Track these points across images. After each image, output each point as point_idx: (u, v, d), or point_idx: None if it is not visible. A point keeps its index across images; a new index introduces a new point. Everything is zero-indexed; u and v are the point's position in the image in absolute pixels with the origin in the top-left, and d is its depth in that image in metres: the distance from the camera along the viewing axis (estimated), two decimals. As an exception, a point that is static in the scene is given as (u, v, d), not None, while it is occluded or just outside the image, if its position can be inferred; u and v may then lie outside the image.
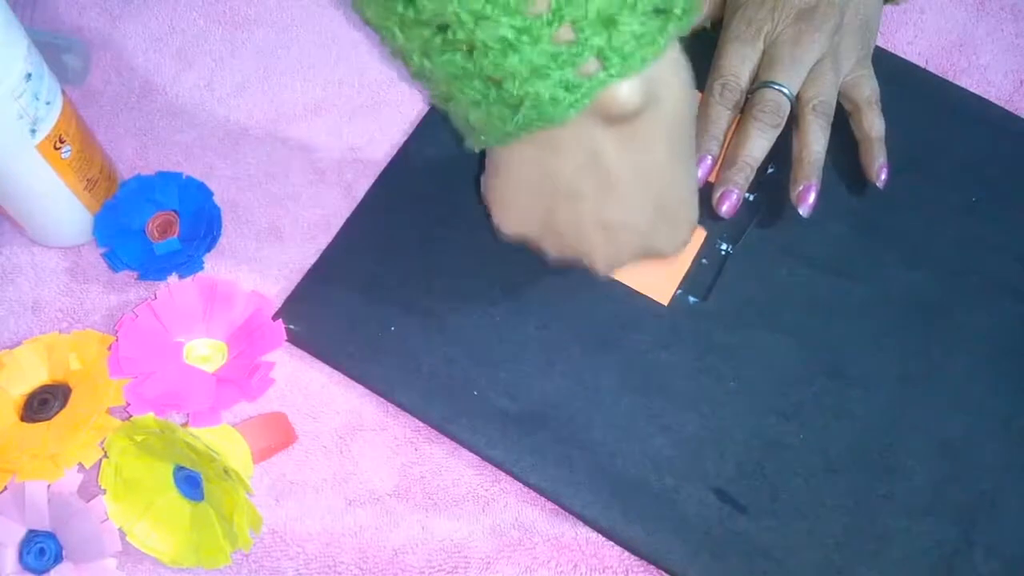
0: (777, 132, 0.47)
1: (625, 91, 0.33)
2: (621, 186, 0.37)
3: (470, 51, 0.32)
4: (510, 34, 0.31)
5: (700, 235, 0.48)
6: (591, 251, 0.40)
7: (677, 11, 0.32)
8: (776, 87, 0.47)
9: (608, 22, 0.31)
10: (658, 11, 0.32)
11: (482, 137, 0.36)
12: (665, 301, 0.46)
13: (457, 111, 0.36)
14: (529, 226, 0.41)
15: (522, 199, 0.39)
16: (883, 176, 0.48)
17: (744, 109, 0.48)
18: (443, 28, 0.32)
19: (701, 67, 0.49)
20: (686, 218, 0.41)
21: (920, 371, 0.45)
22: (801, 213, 0.47)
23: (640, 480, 0.42)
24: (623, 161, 0.36)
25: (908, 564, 0.41)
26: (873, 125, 0.49)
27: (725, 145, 0.48)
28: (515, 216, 0.41)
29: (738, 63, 0.48)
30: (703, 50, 0.50)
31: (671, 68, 0.34)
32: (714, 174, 0.48)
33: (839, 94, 0.49)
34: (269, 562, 0.40)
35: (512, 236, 0.42)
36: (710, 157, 0.47)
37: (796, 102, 0.48)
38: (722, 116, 0.48)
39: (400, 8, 0.32)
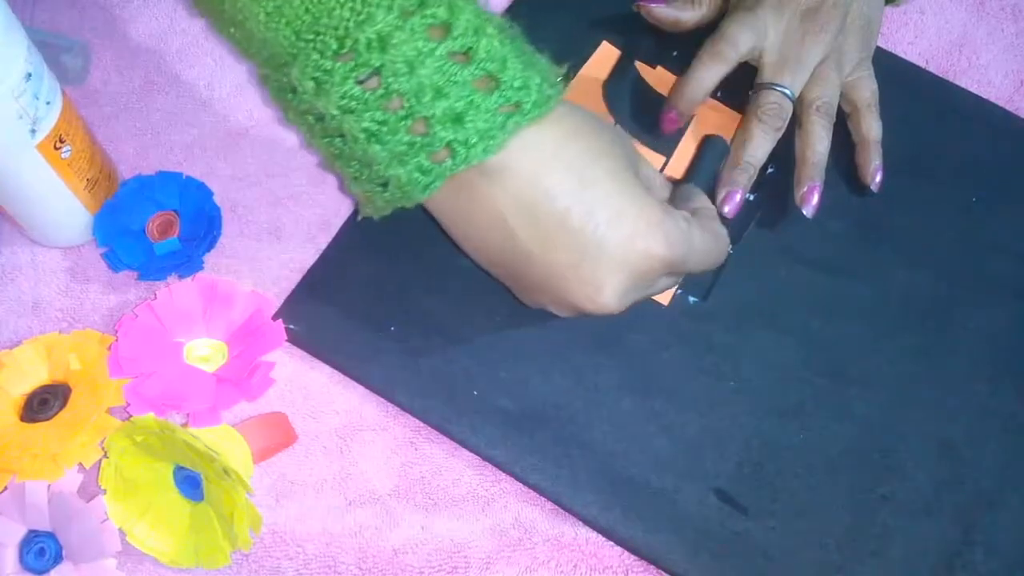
0: (779, 134, 0.47)
1: (498, 157, 0.36)
2: (540, 208, 0.37)
3: (343, 137, 0.37)
4: (372, 126, 0.35)
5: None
6: (574, 298, 0.39)
7: (526, 106, 0.36)
8: (779, 88, 0.47)
9: (456, 119, 0.35)
10: (503, 109, 0.36)
11: (366, 208, 0.40)
12: (665, 301, 0.46)
13: (344, 183, 0.40)
14: (530, 299, 0.42)
15: (500, 275, 0.42)
16: (878, 178, 0.48)
17: (746, 110, 0.48)
18: (321, 117, 0.37)
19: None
20: (648, 218, 0.38)
21: (920, 371, 0.45)
22: (805, 214, 0.47)
23: (640, 480, 0.42)
24: (525, 191, 0.37)
25: (908, 564, 0.41)
26: (871, 128, 0.49)
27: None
28: (517, 293, 0.42)
29: (738, 27, 0.48)
30: (698, 50, 0.50)
31: (552, 129, 0.37)
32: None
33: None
34: (269, 562, 0.40)
35: (536, 307, 0.42)
36: (674, 112, 0.48)
37: (798, 103, 0.48)
38: (706, 74, 0.47)
39: (289, 96, 0.37)
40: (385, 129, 0.35)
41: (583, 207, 0.37)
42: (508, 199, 0.37)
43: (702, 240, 0.40)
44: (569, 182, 0.37)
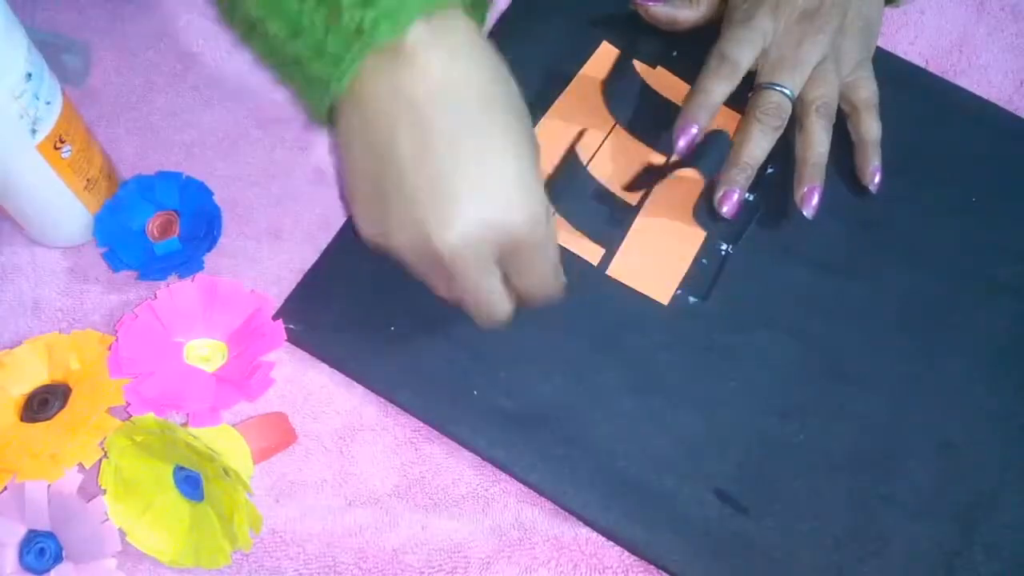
0: (778, 133, 0.47)
1: (412, 36, 0.36)
2: (434, 122, 0.36)
3: (271, 39, 0.38)
4: (292, 21, 0.37)
5: (699, 236, 0.48)
6: (424, 219, 0.37)
7: None
8: (778, 88, 0.47)
9: (363, 2, 0.35)
10: None
11: (310, 113, 0.40)
12: (665, 301, 0.46)
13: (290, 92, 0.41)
14: (375, 215, 0.39)
15: (364, 188, 0.39)
16: (876, 179, 0.48)
17: (746, 110, 0.48)
18: (252, 24, 0.39)
19: (699, 65, 0.50)
20: (527, 183, 0.37)
21: (920, 371, 0.46)
22: (805, 214, 0.47)
23: (640, 480, 0.42)
24: (428, 96, 0.36)
25: (908, 564, 0.41)
26: (870, 128, 0.49)
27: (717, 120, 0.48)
28: (364, 209, 0.40)
29: (738, 43, 0.48)
30: (699, 50, 0.50)
31: (465, 32, 0.37)
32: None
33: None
34: (269, 562, 0.40)
35: (370, 236, 0.40)
36: (696, 126, 0.47)
37: (798, 103, 0.48)
38: (716, 88, 0.47)
39: (233, 11, 0.40)
40: (302, 22, 0.37)
41: (475, 140, 0.37)
42: (409, 90, 0.36)
43: (549, 264, 0.40)
44: (474, 107, 0.37)
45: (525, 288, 0.41)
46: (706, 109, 0.47)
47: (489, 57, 0.38)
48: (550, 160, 0.48)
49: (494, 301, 0.40)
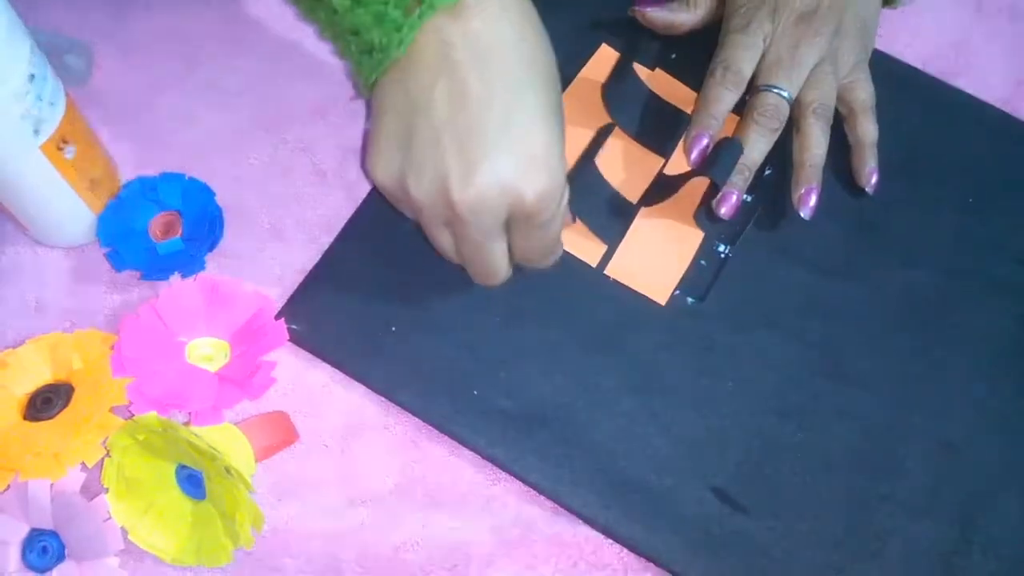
0: (776, 135, 0.47)
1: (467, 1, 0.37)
2: (472, 91, 0.37)
3: (335, 11, 0.39)
4: None
5: (698, 237, 0.48)
6: (447, 171, 0.37)
7: None
8: (775, 90, 0.47)
9: None
10: None
11: (362, 85, 0.41)
12: (663, 301, 0.46)
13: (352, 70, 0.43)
14: (393, 160, 0.39)
15: (388, 130, 0.40)
16: (873, 181, 0.49)
17: (743, 112, 0.48)
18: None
19: (698, 67, 0.50)
20: (547, 158, 0.38)
21: (918, 371, 0.46)
22: (803, 215, 0.47)
23: (640, 479, 0.42)
24: (475, 66, 0.37)
25: (907, 564, 0.41)
26: (867, 130, 0.49)
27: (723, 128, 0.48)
28: (383, 151, 0.40)
29: (740, 52, 0.48)
30: (698, 52, 0.50)
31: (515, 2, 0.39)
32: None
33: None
34: (271, 560, 0.40)
35: (382, 179, 0.40)
36: (707, 136, 0.47)
37: (795, 105, 0.48)
38: (723, 97, 0.48)
39: None
40: None
41: (507, 109, 0.37)
42: (453, 49, 0.37)
43: (552, 238, 0.42)
44: (512, 75, 0.38)
45: (523, 254, 0.42)
46: (715, 119, 0.48)
47: (534, 22, 0.39)
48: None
49: (495, 263, 0.42)
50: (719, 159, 0.47)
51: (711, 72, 0.48)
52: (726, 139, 0.47)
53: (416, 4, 0.37)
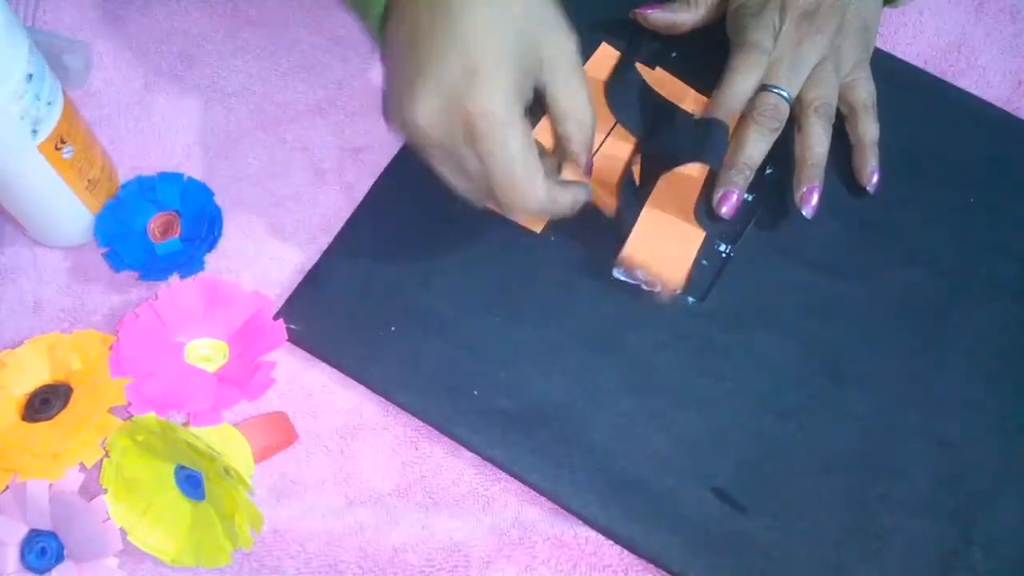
0: (776, 135, 0.47)
1: None
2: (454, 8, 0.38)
3: None
4: None
5: (699, 236, 0.48)
6: (455, 83, 0.38)
7: None
8: (776, 91, 0.47)
9: None
10: None
11: (372, 30, 0.42)
12: (666, 299, 0.46)
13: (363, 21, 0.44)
14: (410, 99, 0.39)
15: (401, 73, 0.40)
16: (874, 180, 0.49)
17: (744, 112, 0.48)
18: None
19: (698, 66, 0.50)
20: (492, 82, 0.38)
21: (918, 371, 0.46)
22: (805, 214, 0.47)
23: (639, 480, 0.42)
24: None
25: (907, 564, 0.41)
26: (868, 130, 0.49)
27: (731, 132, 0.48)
28: (403, 94, 0.40)
29: (761, 36, 0.47)
30: (698, 51, 0.50)
31: None
32: (703, 168, 0.48)
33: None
34: (270, 561, 0.40)
35: (405, 120, 0.40)
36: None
37: (797, 104, 0.48)
38: (744, 83, 0.47)
39: None
40: None
41: (466, 30, 0.38)
42: None
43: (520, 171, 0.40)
44: (483, 9, 0.38)
45: (494, 190, 0.41)
46: (737, 97, 0.47)
47: None
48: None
49: (527, 167, 0.40)
50: (710, 142, 0.46)
51: (733, 55, 0.48)
52: (714, 122, 0.47)
53: None
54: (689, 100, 0.51)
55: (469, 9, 0.39)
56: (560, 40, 0.41)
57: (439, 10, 0.39)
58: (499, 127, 0.39)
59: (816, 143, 0.47)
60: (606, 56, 0.52)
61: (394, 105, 0.41)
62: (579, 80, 0.42)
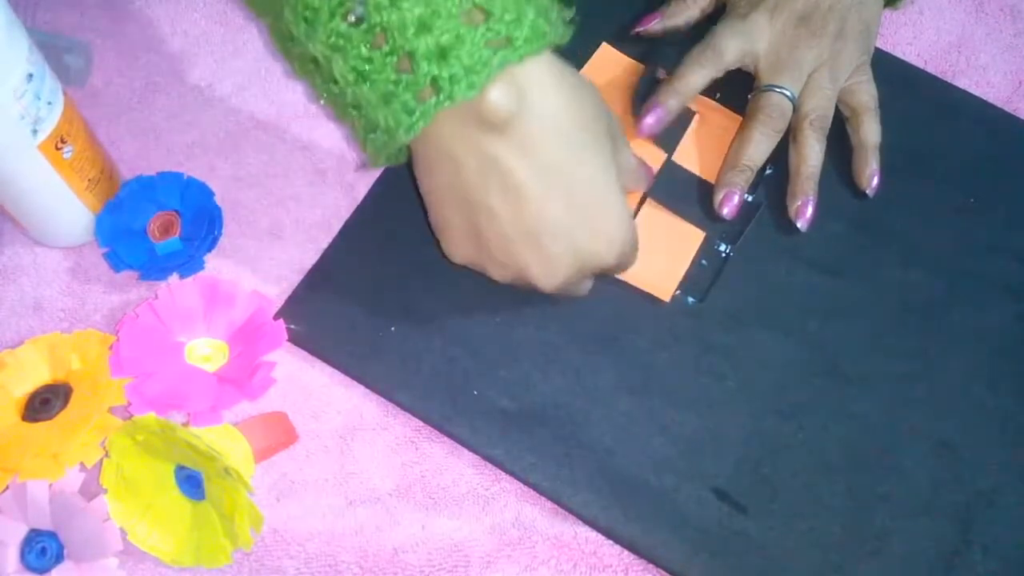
0: (779, 135, 0.47)
1: (493, 97, 0.35)
2: (525, 189, 0.37)
3: (337, 82, 0.36)
4: (359, 65, 0.35)
5: (699, 236, 0.48)
6: (526, 267, 0.40)
7: (518, 42, 0.35)
8: (779, 90, 0.47)
9: (441, 54, 0.34)
10: (492, 43, 0.34)
11: (372, 159, 0.40)
12: (667, 298, 0.46)
13: (352, 135, 0.40)
14: (469, 251, 0.41)
15: (454, 224, 0.40)
16: (874, 182, 0.49)
17: (746, 112, 0.48)
18: (317, 62, 0.37)
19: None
20: (613, 220, 0.40)
21: (918, 371, 0.46)
22: (799, 226, 0.47)
23: (639, 479, 0.42)
24: (520, 164, 0.37)
25: (906, 563, 0.41)
26: (869, 132, 0.49)
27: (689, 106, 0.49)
28: (455, 243, 0.41)
29: (724, 35, 0.48)
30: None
31: (546, 75, 0.37)
32: (703, 168, 0.48)
33: (837, 99, 0.49)
34: (270, 561, 0.40)
35: (461, 263, 0.42)
36: (661, 109, 0.48)
37: (792, 112, 0.48)
38: (692, 72, 0.48)
39: (289, 44, 0.38)
40: (371, 68, 0.35)
41: (564, 195, 0.38)
42: (499, 158, 0.37)
43: (635, 253, 0.43)
44: (560, 163, 0.37)
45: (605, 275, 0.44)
46: (678, 94, 0.48)
47: (572, 95, 0.38)
48: None
49: (580, 292, 0.44)
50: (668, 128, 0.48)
51: (693, 48, 0.49)
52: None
53: (432, 90, 0.35)
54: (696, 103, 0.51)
55: (581, 165, 0.38)
56: (614, 119, 0.42)
57: (548, 170, 0.37)
58: (633, 252, 0.42)
59: (811, 155, 0.47)
60: (606, 56, 0.52)
61: (503, 263, 0.40)
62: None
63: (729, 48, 0.48)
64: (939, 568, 0.41)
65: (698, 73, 0.48)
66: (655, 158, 0.50)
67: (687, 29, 0.52)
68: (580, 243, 0.39)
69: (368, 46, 0.34)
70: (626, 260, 0.42)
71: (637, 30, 0.52)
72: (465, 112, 0.36)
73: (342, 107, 0.38)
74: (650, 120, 0.48)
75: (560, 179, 0.38)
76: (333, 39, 0.35)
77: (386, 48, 0.34)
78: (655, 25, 0.52)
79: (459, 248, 0.41)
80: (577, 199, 0.38)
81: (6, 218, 0.46)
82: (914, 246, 0.49)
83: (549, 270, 0.40)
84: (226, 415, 0.42)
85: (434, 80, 0.34)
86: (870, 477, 0.43)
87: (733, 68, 0.49)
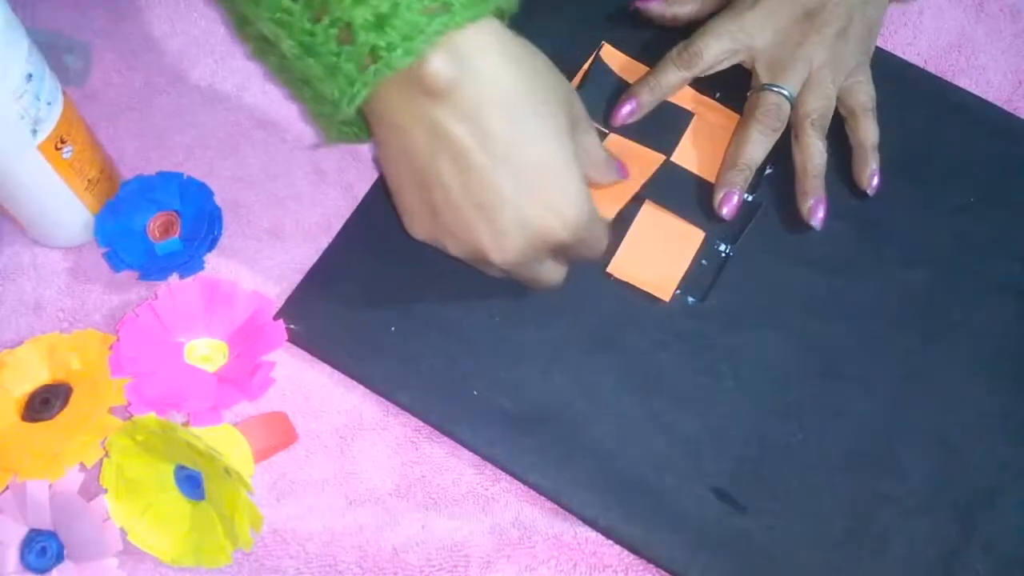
0: (777, 135, 0.47)
1: (432, 63, 0.35)
2: (471, 157, 0.37)
3: (285, 57, 0.37)
4: (303, 39, 0.36)
5: (699, 236, 0.48)
6: (478, 239, 0.39)
7: (456, 7, 0.35)
8: (777, 90, 0.47)
9: (378, 23, 0.34)
10: (429, 10, 0.34)
11: (323, 131, 0.40)
12: (667, 298, 0.46)
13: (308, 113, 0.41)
14: (427, 225, 0.41)
15: (412, 198, 0.40)
16: (874, 183, 0.49)
17: (744, 111, 0.48)
18: (267, 39, 0.38)
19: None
20: (567, 196, 0.39)
21: (918, 370, 0.46)
22: (813, 226, 0.47)
23: (640, 479, 0.42)
24: (463, 130, 0.37)
25: (906, 563, 0.41)
26: (867, 133, 0.49)
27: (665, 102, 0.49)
28: (414, 217, 0.41)
29: (708, 41, 0.48)
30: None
31: (490, 42, 0.36)
32: (703, 168, 0.49)
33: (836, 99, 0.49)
34: (270, 561, 0.40)
35: (422, 238, 0.42)
36: (635, 102, 0.48)
37: (793, 112, 0.48)
38: (668, 72, 0.48)
39: (245, 27, 0.39)
40: (313, 41, 0.35)
41: (512, 164, 0.37)
42: (444, 126, 0.37)
43: (600, 236, 0.41)
44: (506, 132, 0.37)
45: (575, 260, 0.43)
46: (652, 91, 0.48)
47: (520, 66, 0.37)
48: None
49: (548, 279, 0.43)
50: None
51: (676, 46, 0.49)
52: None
53: (371, 60, 0.35)
54: (689, 99, 0.51)
55: (530, 135, 0.37)
56: (577, 99, 0.42)
57: (494, 140, 0.37)
58: (591, 230, 0.40)
59: (816, 154, 0.47)
60: (607, 56, 0.52)
61: (457, 238, 0.40)
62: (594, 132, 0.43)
63: (709, 50, 0.48)
64: (939, 568, 0.41)
65: (674, 73, 0.48)
66: (654, 159, 0.50)
67: (681, 25, 0.52)
68: (530, 217, 0.38)
69: (310, 20, 0.35)
70: (589, 241, 0.40)
71: (637, 4, 0.52)
72: (408, 80, 0.36)
73: (294, 83, 0.39)
74: (624, 111, 0.48)
75: (506, 148, 0.37)
76: (278, 15, 0.36)
77: (326, 20, 0.35)
78: (655, 6, 0.52)
79: (417, 223, 0.41)
80: (526, 172, 0.38)
81: (6, 218, 0.46)
82: (914, 245, 0.49)
83: (500, 243, 0.39)
84: (226, 415, 0.42)
85: (373, 49, 0.35)
86: (870, 477, 0.43)
87: (715, 70, 0.49)
